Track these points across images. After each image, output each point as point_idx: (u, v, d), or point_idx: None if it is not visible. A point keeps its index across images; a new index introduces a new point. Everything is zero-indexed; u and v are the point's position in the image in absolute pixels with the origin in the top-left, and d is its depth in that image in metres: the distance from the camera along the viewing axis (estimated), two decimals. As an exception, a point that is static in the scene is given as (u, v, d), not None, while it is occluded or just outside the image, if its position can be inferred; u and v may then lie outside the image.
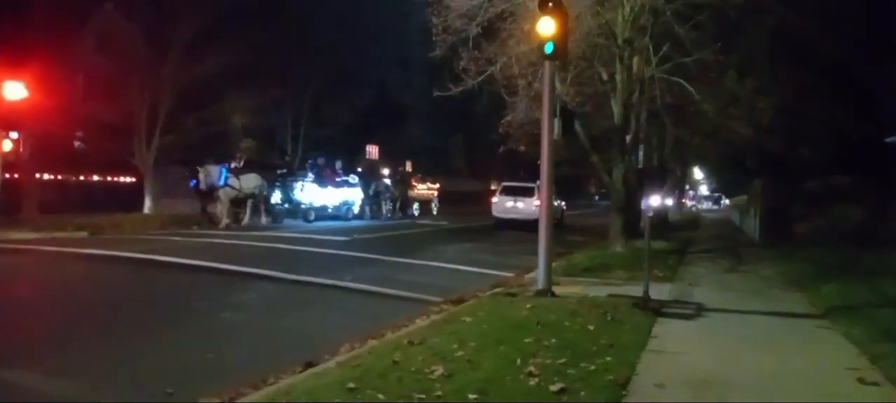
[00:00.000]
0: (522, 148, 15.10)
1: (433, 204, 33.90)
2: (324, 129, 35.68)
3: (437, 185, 36.18)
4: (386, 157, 42.26)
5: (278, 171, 24.72)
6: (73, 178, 24.25)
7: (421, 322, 7.23)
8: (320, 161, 25.75)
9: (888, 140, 18.18)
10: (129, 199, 24.15)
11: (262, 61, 28.31)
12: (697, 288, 10.19)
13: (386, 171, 31.15)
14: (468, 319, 6.98)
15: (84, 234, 16.56)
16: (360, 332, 6.65)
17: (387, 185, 29.07)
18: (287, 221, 22.01)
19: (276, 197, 22.79)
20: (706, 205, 69.27)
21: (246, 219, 21.07)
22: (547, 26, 8.44)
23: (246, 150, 31.92)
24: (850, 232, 16.63)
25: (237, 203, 21.04)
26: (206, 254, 12.61)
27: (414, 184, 33.23)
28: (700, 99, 14.08)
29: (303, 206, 23.00)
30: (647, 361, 5.60)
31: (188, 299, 8.94)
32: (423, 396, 4.30)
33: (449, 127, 48.25)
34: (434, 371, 4.88)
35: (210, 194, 20.29)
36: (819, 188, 20.29)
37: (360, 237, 17.76)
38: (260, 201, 21.69)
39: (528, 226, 17.49)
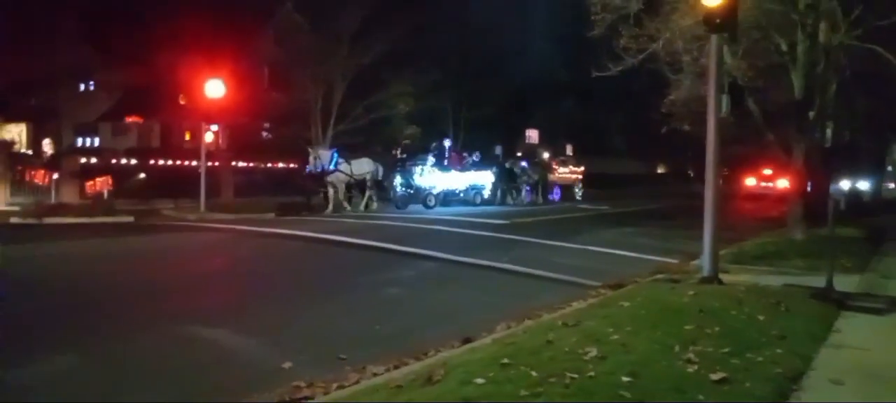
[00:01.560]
0: (687, 127, 14.26)
1: (576, 189, 32.10)
2: (482, 111, 36.26)
3: (582, 168, 34.03)
4: (546, 139, 42.02)
5: (398, 156, 24.46)
6: (261, 165, 26.85)
7: (577, 305, 7.24)
8: (446, 143, 25.15)
9: None
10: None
11: (421, 46, 29.45)
12: (892, 280, 9.07)
13: (519, 154, 29.89)
14: (625, 304, 6.86)
15: (271, 216, 18.47)
16: (517, 313, 6.81)
17: (524, 168, 27.86)
18: (411, 207, 21.63)
19: (397, 181, 22.45)
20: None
21: (362, 205, 21.04)
22: (714, -4, 7.94)
23: (410, 136, 33.46)
24: None
25: (352, 187, 21.13)
26: (373, 234, 13.53)
27: (555, 166, 31.68)
28: (899, 66, 12.39)
29: (423, 191, 22.30)
30: (824, 355, 5.16)
31: (355, 273, 9.71)
32: (575, 375, 4.34)
33: (608, 106, 46.64)
34: (587, 352, 4.90)
35: (321, 178, 20.23)
36: None
37: (520, 220, 17.94)
38: (372, 186, 21.47)
39: None
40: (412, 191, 22.30)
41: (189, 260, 11.36)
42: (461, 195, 24.09)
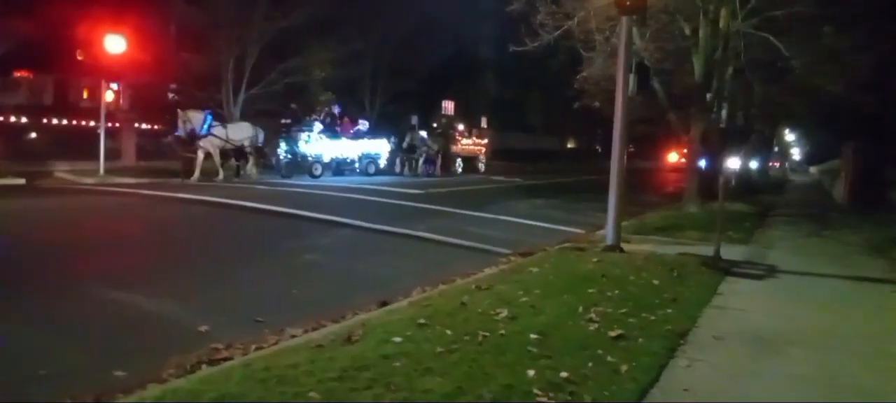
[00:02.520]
0: (597, 104, 14.93)
1: (480, 161, 31.45)
2: (402, 82, 36.16)
3: (486, 141, 33.61)
4: (462, 112, 42.38)
5: (283, 121, 23.27)
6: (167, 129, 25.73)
7: (490, 271, 7.53)
8: (335, 109, 23.85)
9: None
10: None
11: (342, 13, 28.91)
12: (772, 250, 10.00)
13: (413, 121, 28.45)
14: (534, 270, 7.23)
15: (178, 181, 17.80)
16: (433, 279, 7.01)
17: (423, 139, 27.02)
18: (327, 177, 21.02)
19: (282, 148, 21.47)
20: (796, 169, 65.75)
21: (247, 170, 20.12)
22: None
23: (325, 103, 32.84)
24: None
25: (230, 154, 19.87)
26: (286, 201, 13.38)
27: (457, 137, 30.93)
28: (789, 54, 13.44)
29: (309, 159, 21.30)
30: (708, 315, 5.71)
31: (270, 240, 9.63)
32: (488, 334, 4.61)
33: (526, 82, 47.68)
34: (499, 313, 5.19)
35: (191, 143, 18.72)
36: (919, 151, 18.97)
37: (435, 191, 18.21)
38: (252, 153, 20.38)
39: None
40: (297, 159, 21.26)
41: (94, 223, 10.84)
42: (355, 165, 23.34)
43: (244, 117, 26.31)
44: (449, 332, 4.63)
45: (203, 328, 5.10)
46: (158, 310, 5.74)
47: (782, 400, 3.95)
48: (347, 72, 31.54)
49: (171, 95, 27.99)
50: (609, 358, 4.29)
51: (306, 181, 20.03)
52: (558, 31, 13.73)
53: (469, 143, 31.86)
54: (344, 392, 3.53)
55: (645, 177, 31.98)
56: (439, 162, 27.81)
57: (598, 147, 56.75)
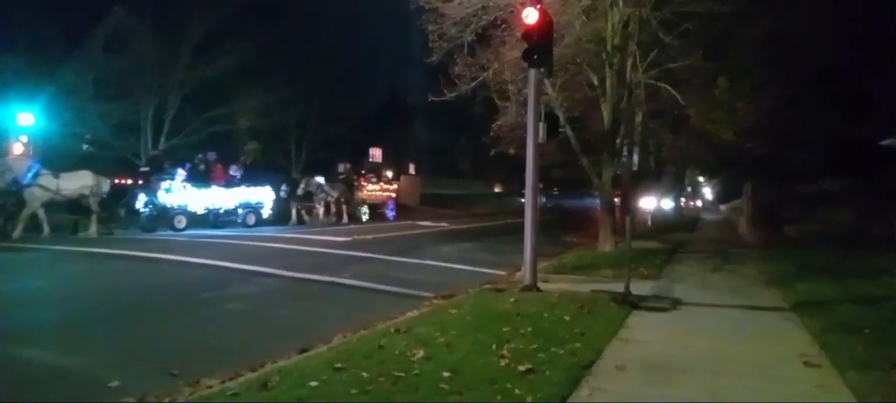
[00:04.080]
0: (512, 151, 15.57)
1: (388, 208, 30.00)
2: (331, 130, 36.22)
3: (395, 186, 32.35)
4: (392, 158, 42.71)
5: (141, 169, 21.70)
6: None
7: (411, 314, 7.71)
8: (210, 156, 22.10)
9: (884, 143, 18.53)
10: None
11: (269, 62, 28.92)
12: (679, 285, 10.62)
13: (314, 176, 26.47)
14: (454, 311, 7.47)
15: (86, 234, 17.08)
16: (355, 324, 7.12)
17: (320, 185, 25.20)
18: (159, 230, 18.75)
19: (141, 200, 19.47)
20: (708, 208, 69.35)
21: (92, 228, 17.19)
22: (531, 34, 8.93)
23: (250, 152, 32.38)
24: (840, 235, 17.02)
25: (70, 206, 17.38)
26: (206, 252, 13.15)
27: (362, 183, 29.37)
28: (685, 104, 14.54)
29: (171, 211, 19.28)
30: (613, 347, 6.08)
31: (189, 291, 9.45)
32: (403, 374, 4.79)
33: (454, 129, 48.71)
34: (415, 354, 5.37)
35: (15, 193, 16.15)
36: (810, 191, 20.68)
37: (361, 238, 18.27)
38: (95, 206, 17.58)
39: None
40: (158, 211, 19.19)
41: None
42: (237, 217, 21.47)
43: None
44: (365, 374, 4.78)
45: (113, 383, 5.02)
46: (66, 367, 5.59)
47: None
48: (273, 120, 31.39)
49: (85, 147, 26.98)
50: (516, 391, 4.54)
51: (259, 230, 19.71)
52: (474, 83, 14.34)
53: (376, 189, 30.45)
54: (256, 436, 3.61)
55: (569, 216, 33.07)
56: (342, 209, 26.28)
57: (523, 191, 58.19)
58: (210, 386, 4.87)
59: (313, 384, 4.51)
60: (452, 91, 14.43)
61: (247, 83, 27.91)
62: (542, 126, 9.23)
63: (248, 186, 22.12)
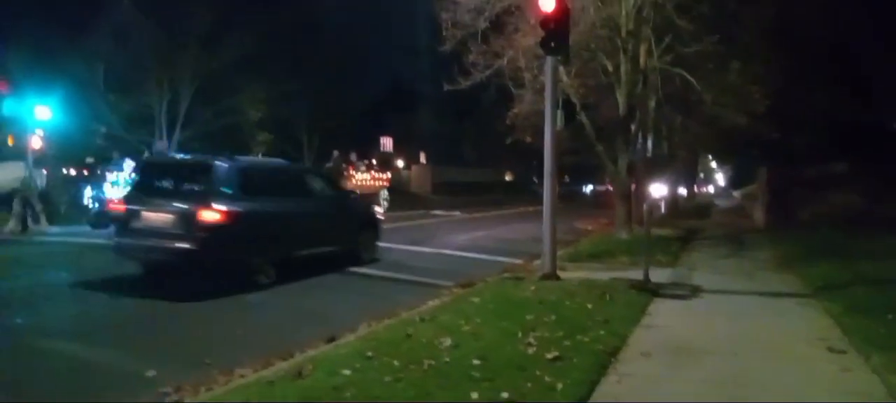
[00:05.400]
0: (528, 139, 15.58)
1: (382, 198, 27.37)
2: (338, 119, 36.30)
3: (387, 175, 30.67)
4: (400, 147, 42.74)
5: (87, 160, 20.55)
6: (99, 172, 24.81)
7: (433, 303, 7.79)
8: (161, 145, 20.57)
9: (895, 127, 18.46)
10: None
11: (275, 52, 28.96)
12: (696, 271, 10.67)
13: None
14: (476, 300, 7.54)
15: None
16: (378, 313, 7.20)
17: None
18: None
19: (87, 194, 18.24)
20: (721, 194, 69.01)
21: (10, 225, 15.68)
22: (548, 21, 8.92)
23: (263, 143, 32.50)
24: (850, 217, 16.98)
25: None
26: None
27: (351, 173, 27.91)
28: (699, 88, 14.49)
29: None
30: (637, 334, 6.14)
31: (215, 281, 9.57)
32: (432, 361, 4.87)
33: (460, 116, 48.65)
34: (443, 342, 5.45)
35: None
36: (820, 174, 20.62)
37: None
38: (29, 200, 16.12)
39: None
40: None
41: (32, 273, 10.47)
42: None
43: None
44: (395, 362, 4.86)
45: (150, 373, 5.13)
46: (103, 359, 5.72)
47: (700, 401, 4.36)
48: (282, 111, 31.49)
49: (99, 140, 27.24)
50: (546, 378, 4.61)
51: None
52: (489, 70, 14.34)
53: (366, 178, 28.91)
54: (298, 423, 3.70)
55: (582, 204, 33.09)
56: None
57: (535, 178, 58.19)
58: (243, 375, 4.98)
59: (347, 372, 4.60)
60: (466, 79, 14.44)
61: (254, 74, 27.98)
62: (559, 113, 9.25)
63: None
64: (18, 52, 24.10)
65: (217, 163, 9.27)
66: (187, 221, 8.51)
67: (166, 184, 9.30)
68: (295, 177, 11.68)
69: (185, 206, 8.63)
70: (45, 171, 17.58)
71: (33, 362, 5.55)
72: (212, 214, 8.49)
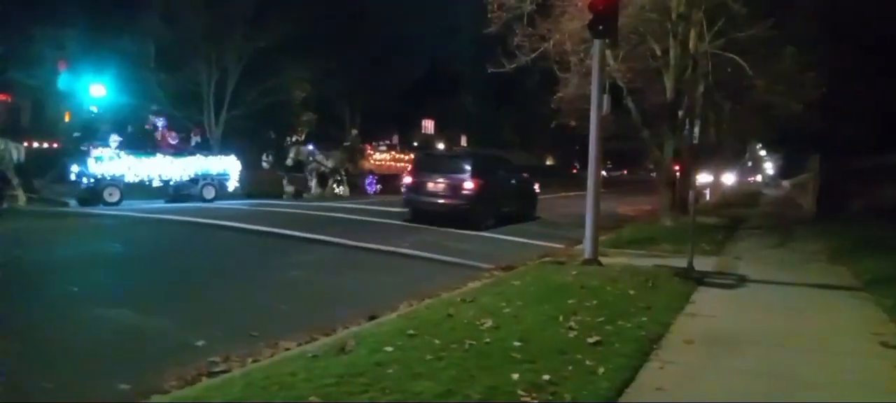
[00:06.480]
0: (573, 123, 15.38)
1: (367, 183, 25.78)
2: (378, 101, 36.47)
3: (411, 156, 27.97)
4: (440, 129, 42.76)
5: (74, 135, 19.72)
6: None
7: (473, 284, 7.83)
8: (158, 122, 19.81)
9: None
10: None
11: (319, 33, 29.18)
12: (742, 261, 10.43)
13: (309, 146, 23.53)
14: (516, 283, 7.55)
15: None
16: (418, 293, 7.27)
17: (312, 152, 22.47)
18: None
19: (74, 170, 17.27)
20: (770, 183, 67.11)
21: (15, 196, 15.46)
22: (596, 4, 8.78)
23: (307, 123, 32.90)
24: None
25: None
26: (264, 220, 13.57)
27: (369, 153, 26.50)
28: (752, 74, 14.06)
29: (103, 182, 16.75)
30: (680, 322, 6.06)
31: (257, 258, 9.82)
32: (473, 342, 4.90)
33: (501, 99, 48.36)
34: (483, 323, 5.48)
35: None
36: (872, 166, 19.83)
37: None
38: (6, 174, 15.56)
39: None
40: (93, 183, 16.72)
41: (81, 243, 10.92)
42: (197, 189, 18.80)
43: (227, 139, 26.23)
44: (437, 341, 4.91)
45: (199, 343, 5.30)
46: (153, 328, 5.92)
47: (743, 397, 4.29)
48: (326, 92, 31.78)
49: (151, 116, 27.97)
50: (587, 362, 4.59)
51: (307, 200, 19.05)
52: (534, 54, 14.18)
53: (387, 159, 27.37)
54: (341, 395, 3.79)
55: (624, 189, 32.56)
56: (339, 181, 23.17)
57: (576, 164, 57.69)
58: (288, 348, 5.10)
59: (389, 349, 4.67)
60: (512, 62, 14.32)
61: (298, 54, 28.20)
62: (606, 98, 9.11)
63: (205, 155, 19.64)
64: (75, 30, 24.95)
65: (469, 155, 16.98)
66: (456, 188, 14.57)
67: (438, 166, 15.68)
68: (502, 165, 17.75)
69: (454, 178, 14.68)
70: (25, 144, 17.08)
71: (88, 330, 5.78)
72: (470, 184, 14.47)
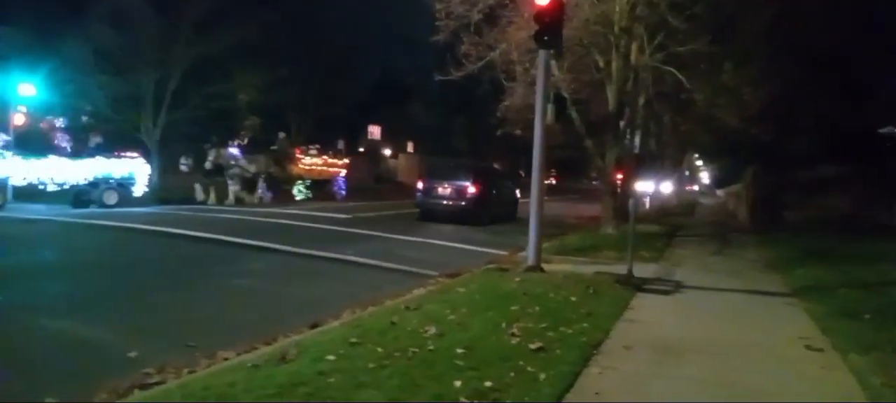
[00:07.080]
0: (519, 132, 15.59)
1: (337, 185, 26.35)
2: (327, 108, 36.13)
3: (345, 161, 28.55)
4: (389, 137, 42.60)
5: None
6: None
7: (418, 291, 7.80)
8: (57, 122, 19.62)
9: (882, 131, 18.68)
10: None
11: (267, 40, 28.73)
12: (680, 268, 10.75)
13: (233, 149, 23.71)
14: (461, 290, 7.57)
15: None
16: (363, 301, 7.21)
17: (233, 156, 21.92)
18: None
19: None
20: (705, 192, 69.56)
21: None
22: (542, 15, 8.93)
23: (250, 128, 32.25)
24: (837, 221, 17.19)
25: None
26: (214, 228, 13.22)
27: (298, 157, 26.07)
28: (691, 88, 14.58)
29: None
30: (620, 328, 6.20)
31: (200, 266, 9.55)
32: (417, 349, 4.89)
33: (452, 108, 48.60)
34: (427, 330, 5.47)
35: None
36: (809, 177, 20.86)
37: (362, 215, 18.35)
38: None
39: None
40: None
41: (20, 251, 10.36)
42: (97, 193, 17.64)
43: (167, 142, 25.50)
44: (380, 349, 4.87)
45: (132, 353, 5.11)
46: (86, 337, 5.68)
47: (680, 400, 4.42)
48: (271, 98, 31.27)
49: (84, 118, 26.88)
50: (529, 368, 4.64)
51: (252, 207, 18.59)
52: (481, 62, 14.33)
53: (318, 164, 26.93)
54: (282, 406, 3.71)
55: (568, 199, 33.18)
56: (263, 187, 22.53)
57: (521, 171, 58.31)
58: (227, 358, 4.96)
59: (331, 358, 4.60)
60: (459, 70, 14.42)
61: (245, 60, 27.78)
62: (550, 107, 9.28)
63: (106, 158, 18.54)
64: (10, 30, 23.76)
65: (471, 165, 21.47)
66: (461, 192, 17.61)
67: (445, 174, 18.63)
68: (495, 173, 22.63)
69: (459, 184, 17.71)
70: None
71: (18, 340, 5.51)
72: (472, 189, 17.50)
